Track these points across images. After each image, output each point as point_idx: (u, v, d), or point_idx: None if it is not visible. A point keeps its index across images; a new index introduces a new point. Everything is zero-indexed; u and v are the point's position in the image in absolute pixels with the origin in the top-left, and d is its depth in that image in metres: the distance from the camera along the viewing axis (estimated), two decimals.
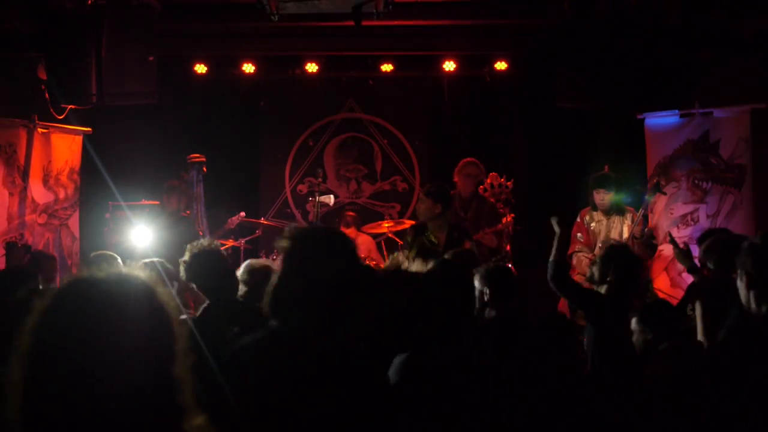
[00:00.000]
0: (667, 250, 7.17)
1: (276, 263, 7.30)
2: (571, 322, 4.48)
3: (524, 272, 6.64)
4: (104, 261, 5.08)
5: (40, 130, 7.18)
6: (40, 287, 3.52)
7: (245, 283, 4.08)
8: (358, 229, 8.40)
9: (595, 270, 4.31)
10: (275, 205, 9.58)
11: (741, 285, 2.68)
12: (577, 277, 6.29)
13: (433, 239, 5.92)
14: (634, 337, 3.70)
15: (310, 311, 2.27)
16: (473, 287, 3.73)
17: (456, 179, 7.01)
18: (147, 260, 5.23)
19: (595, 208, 6.57)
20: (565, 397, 3.06)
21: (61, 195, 7.52)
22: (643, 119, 7.54)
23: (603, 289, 4.26)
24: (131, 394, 1.41)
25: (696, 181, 7.32)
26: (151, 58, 6.75)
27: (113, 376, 1.40)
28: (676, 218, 7.34)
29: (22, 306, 2.30)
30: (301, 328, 2.26)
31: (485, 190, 8.05)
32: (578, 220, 6.62)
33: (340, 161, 9.66)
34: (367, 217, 8.99)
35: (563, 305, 5.85)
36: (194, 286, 4.09)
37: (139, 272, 1.52)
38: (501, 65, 8.63)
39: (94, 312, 1.43)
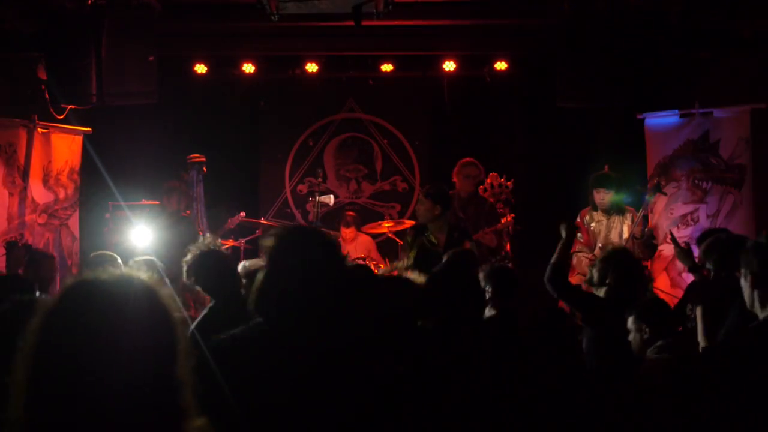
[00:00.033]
0: (667, 250, 7.17)
1: None
2: (571, 320, 4.47)
3: (524, 272, 6.64)
4: (105, 261, 5.09)
5: (40, 130, 7.17)
6: (38, 294, 3.50)
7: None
8: (358, 229, 8.40)
9: (595, 272, 4.32)
10: (275, 205, 9.58)
11: (745, 285, 2.67)
12: (577, 277, 6.30)
13: (433, 240, 5.92)
14: (631, 336, 3.69)
15: (292, 310, 2.30)
16: (479, 286, 3.75)
17: (455, 179, 7.01)
18: (139, 258, 5.23)
19: (595, 208, 6.57)
20: (564, 396, 3.06)
21: (61, 195, 7.52)
22: (643, 119, 7.55)
23: (602, 292, 4.27)
24: (133, 395, 1.41)
25: (696, 181, 7.32)
26: (151, 58, 6.76)
27: (115, 377, 1.40)
28: (676, 218, 7.34)
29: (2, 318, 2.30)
30: (284, 326, 2.29)
31: (485, 190, 8.05)
32: (578, 220, 6.62)
33: (340, 161, 9.66)
34: (367, 217, 8.99)
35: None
36: (198, 287, 4.10)
37: (141, 273, 1.52)
38: (501, 65, 8.63)
39: (97, 313, 1.43)
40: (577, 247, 6.56)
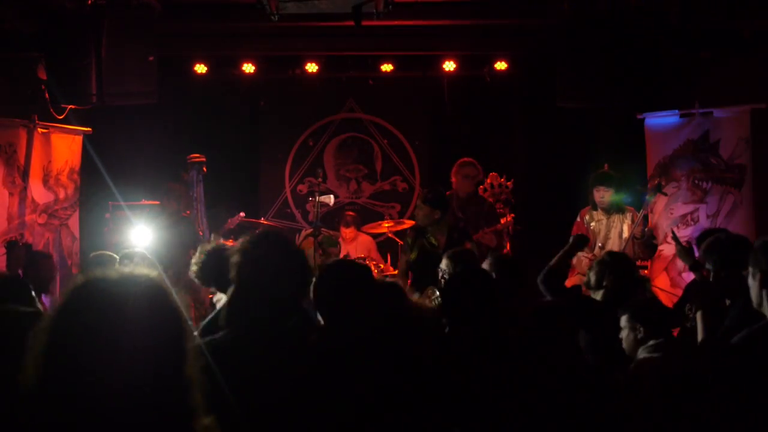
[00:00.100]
0: (667, 249, 7.17)
1: None
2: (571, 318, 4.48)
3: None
4: (105, 262, 5.09)
5: (40, 130, 7.17)
6: (32, 294, 3.50)
7: None
8: (358, 229, 8.41)
9: (592, 275, 4.34)
10: (275, 205, 9.59)
11: (753, 283, 2.64)
12: (577, 277, 6.30)
13: (433, 241, 5.92)
14: (623, 334, 3.68)
15: (259, 322, 2.37)
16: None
17: (453, 179, 7.01)
18: (128, 250, 5.21)
19: (595, 207, 6.57)
20: (564, 395, 3.06)
21: (61, 195, 7.51)
22: (643, 119, 7.54)
23: (599, 295, 4.28)
24: (143, 393, 1.42)
25: (696, 181, 7.32)
26: (151, 58, 6.75)
27: (125, 375, 1.41)
28: (676, 218, 7.33)
29: None
30: (252, 337, 2.34)
31: (485, 190, 8.06)
32: (578, 219, 6.62)
33: (340, 161, 9.66)
34: (367, 217, 9.00)
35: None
36: (212, 287, 4.10)
37: (149, 271, 1.53)
38: (501, 65, 8.64)
39: (106, 311, 1.44)
40: None
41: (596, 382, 3.38)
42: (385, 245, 8.69)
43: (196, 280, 4.12)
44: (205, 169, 7.69)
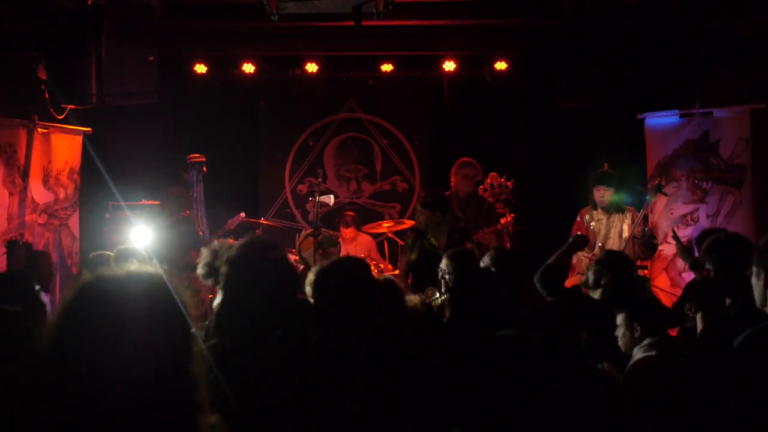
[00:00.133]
0: (667, 249, 7.17)
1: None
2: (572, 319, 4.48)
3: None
4: (105, 262, 5.09)
5: (40, 130, 7.17)
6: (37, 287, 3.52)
7: None
8: (358, 229, 8.41)
9: (590, 275, 4.34)
10: (275, 205, 9.59)
11: (757, 283, 2.63)
12: (577, 277, 6.31)
13: (433, 242, 5.92)
14: (620, 333, 3.68)
15: (250, 331, 2.43)
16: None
17: (453, 179, 7.01)
18: (122, 246, 5.20)
19: (595, 206, 6.58)
20: (564, 395, 3.05)
21: (61, 195, 7.51)
22: (643, 119, 7.54)
23: (597, 294, 4.28)
24: (147, 391, 1.42)
25: (696, 181, 7.32)
26: (151, 58, 6.75)
27: (132, 373, 1.41)
28: (676, 218, 7.33)
29: None
30: (243, 346, 2.40)
31: (485, 190, 8.06)
32: (578, 219, 6.62)
33: (340, 161, 9.66)
34: (367, 217, 9.00)
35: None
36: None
37: (156, 269, 1.53)
38: (501, 65, 8.64)
39: (114, 310, 1.44)
40: None
41: (596, 381, 3.38)
42: (385, 245, 8.69)
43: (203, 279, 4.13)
44: (205, 169, 7.70)
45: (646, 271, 7.11)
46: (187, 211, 7.44)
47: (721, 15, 6.75)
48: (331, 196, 7.88)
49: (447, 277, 4.28)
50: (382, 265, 7.89)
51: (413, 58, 8.86)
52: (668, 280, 7.21)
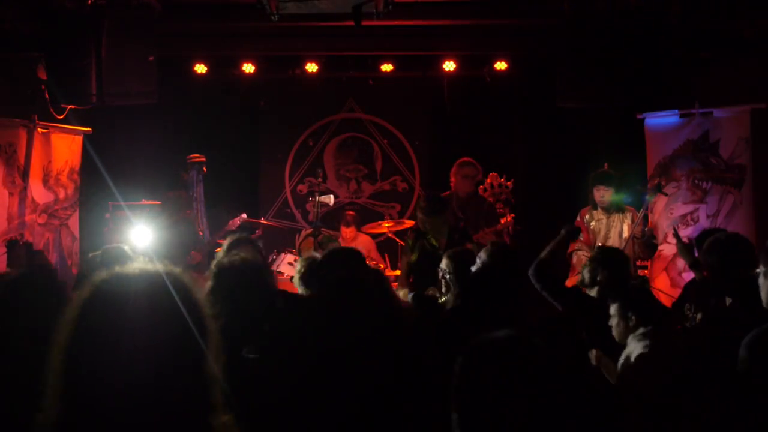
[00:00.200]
0: (667, 249, 7.17)
1: (274, 264, 7.32)
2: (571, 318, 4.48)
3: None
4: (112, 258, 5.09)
5: (40, 130, 7.17)
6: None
7: None
8: (358, 229, 8.40)
9: (586, 273, 4.34)
10: (275, 205, 9.59)
11: (764, 282, 2.63)
12: (577, 276, 6.30)
13: (433, 242, 5.93)
14: (613, 323, 3.67)
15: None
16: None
17: (453, 179, 7.00)
18: (110, 246, 5.21)
19: (595, 206, 6.58)
20: (564, 395, 3.05)
21: (61, 195, 7.52)
22: (643, 119, 7.54)
23: (594, 292, 4.28)
24: (164, 387, 1.42)
25: (696, 181, 7.32)
26: (151, 58, 6.75)
27: (148, 371, 1.41)
28: (676, 218, 7.33)
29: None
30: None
31: (485, 190, 8.06)
32: (578, 219, 6.62)
33: (340, 161, 9.66)
34: (367, 217, 9.00)
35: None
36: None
37: (174, 268, 1.53)
38: (501, 65, 8.63)
39: (129, 308, 1.44)
40: (577, 245, 6.56)
41: (597, 380, 3.39)
42: (385, 245, 8.69)
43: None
44: (205, 169, 7.70)
45: (646, 271, 7.11)
46: (188, 211, 7.44)
47: (721, 15, 6.75)
48: (331, 196, 7.88)
49: (447, 277, 4.29)
50: (382, 265, 7.88)
51: (413, 58, 8.86)
52: (668, 280, 7.21)
